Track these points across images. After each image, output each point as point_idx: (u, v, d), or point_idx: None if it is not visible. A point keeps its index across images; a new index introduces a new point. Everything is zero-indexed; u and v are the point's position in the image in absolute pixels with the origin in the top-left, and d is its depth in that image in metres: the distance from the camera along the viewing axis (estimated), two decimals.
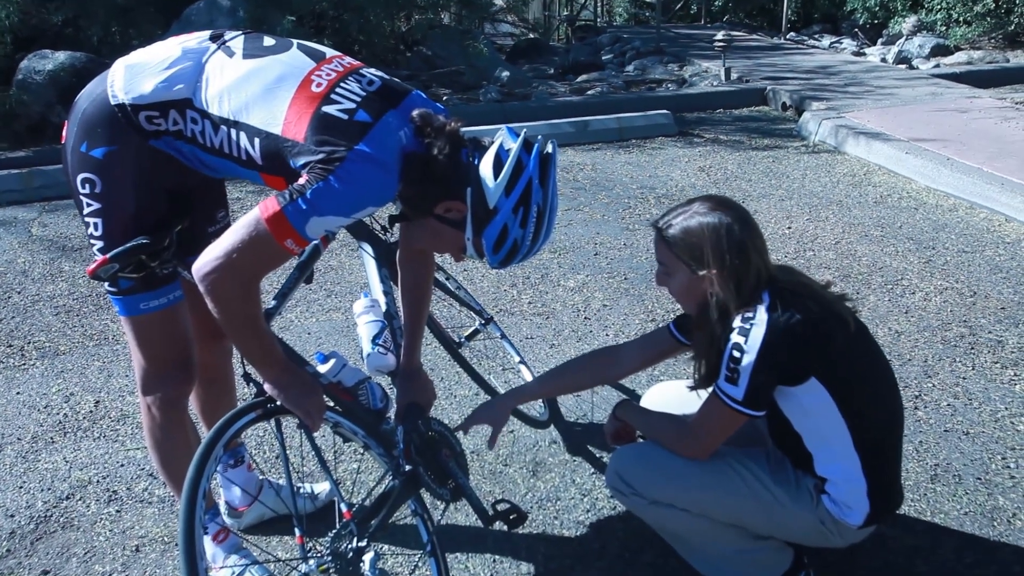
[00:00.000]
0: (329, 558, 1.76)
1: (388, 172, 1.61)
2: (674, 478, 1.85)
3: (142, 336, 1.89)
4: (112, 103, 1.69)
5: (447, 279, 2.91)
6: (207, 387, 2.16)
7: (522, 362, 2.92)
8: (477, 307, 2.92)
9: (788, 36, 10.39)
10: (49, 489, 2.47)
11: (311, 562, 1.78)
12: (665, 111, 6.53)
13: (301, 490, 2.36)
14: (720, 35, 7.83)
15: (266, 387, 1.80)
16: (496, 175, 1.66)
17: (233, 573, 2.04)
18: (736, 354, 1.70)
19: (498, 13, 11.19)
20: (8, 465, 2.59)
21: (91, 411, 2.87)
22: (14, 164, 5.50)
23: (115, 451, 2.64)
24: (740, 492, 1.81)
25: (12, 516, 2.36)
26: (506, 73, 9.01)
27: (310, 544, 1.80)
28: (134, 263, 1.77)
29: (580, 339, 3.30)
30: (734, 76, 7.91)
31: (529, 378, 2.87)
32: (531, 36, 12.87)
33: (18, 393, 3.00)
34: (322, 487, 2.40)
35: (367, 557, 1.78)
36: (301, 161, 1.59)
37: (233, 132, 1.65)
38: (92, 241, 1.79)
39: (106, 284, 1.83)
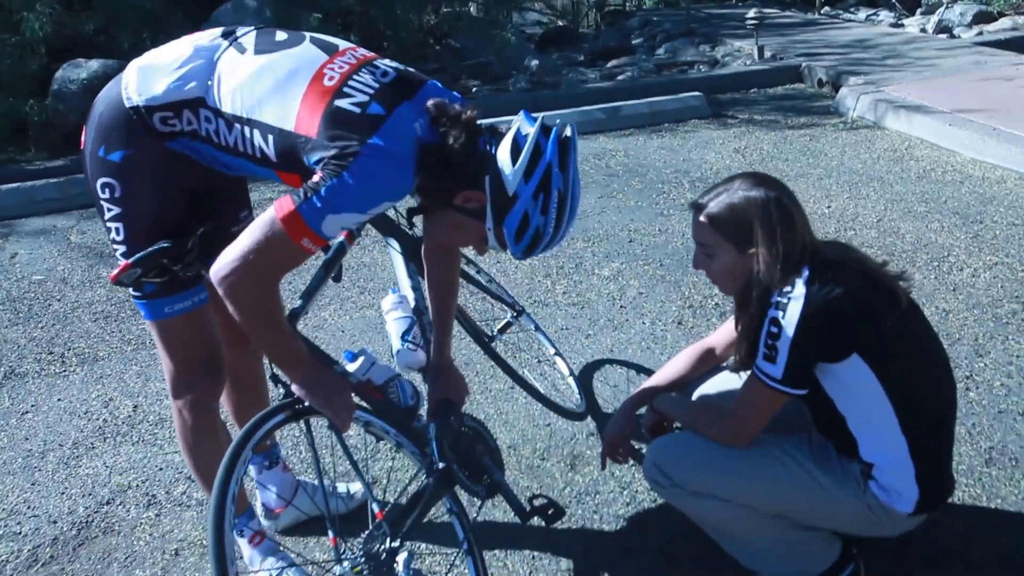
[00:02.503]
0: (362, 559, 1.74)
1: (403, 165, 1.58)
2: (713, 467, 1.79)
3: (168, 339, 1.88)
4: (127, 106, 1.68)
5: (478, 272, 2.88)
6: (238, 390, 2.15)
7: (557, 353, 2.88)
8: (509, 299, 2.87)
9: (822, 11, 10.16)
10: (90, 495, 2.49)
11: (345, 564, 1.76)
12: (697, 93, 6.41)
13: (336, 490, 2.35)
14: (752, 12, 7.67)
15: (293, 388, 1.78)
16: (514, 161, 1.62)
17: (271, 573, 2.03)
18: (774, 330, 1.64)
19: (525, 1, 11.08)
20: (50, 471, 2.61)
21: (130, 415, 2.89)
22: (52, 173, 5.58)
23: (153, 455, 2.65)
24: (782, 480, 1.75)
25: (55, 522, 2.38)
26: (535, 62, 8.92)
27: (344, 546, 1.78)
28: (157, 267, 1.76)
29: (616, 328, 3.24)
30: (767, 54, 7.75)
31: (565, 369, 2.83)
32: (560, 24, 12.75)
33: (59, 400, 3.03)
34: (357, 487, 2.39)
35: (401, 557, 1.76)
36: (315, 157, 1.56)
37: (247, 130, 1.62)
38: (115, 246, 1.78)
39: (131, 289, 1.82)
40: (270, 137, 1.61)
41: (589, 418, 2.66)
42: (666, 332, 3.17)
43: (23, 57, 6.59)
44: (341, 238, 2.12)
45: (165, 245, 1.74)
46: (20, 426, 2.88)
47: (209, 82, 1.65)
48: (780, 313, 1.63)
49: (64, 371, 3.24)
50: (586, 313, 3.39)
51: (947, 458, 1.79)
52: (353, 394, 1.90)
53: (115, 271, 1.72)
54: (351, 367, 1.96)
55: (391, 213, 2.39)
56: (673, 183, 4.85)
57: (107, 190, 1.73)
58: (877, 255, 3.65)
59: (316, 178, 1.54)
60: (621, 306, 3.42)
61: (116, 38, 7.37)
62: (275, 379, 1.85)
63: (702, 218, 1.74)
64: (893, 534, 1.79)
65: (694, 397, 2.07)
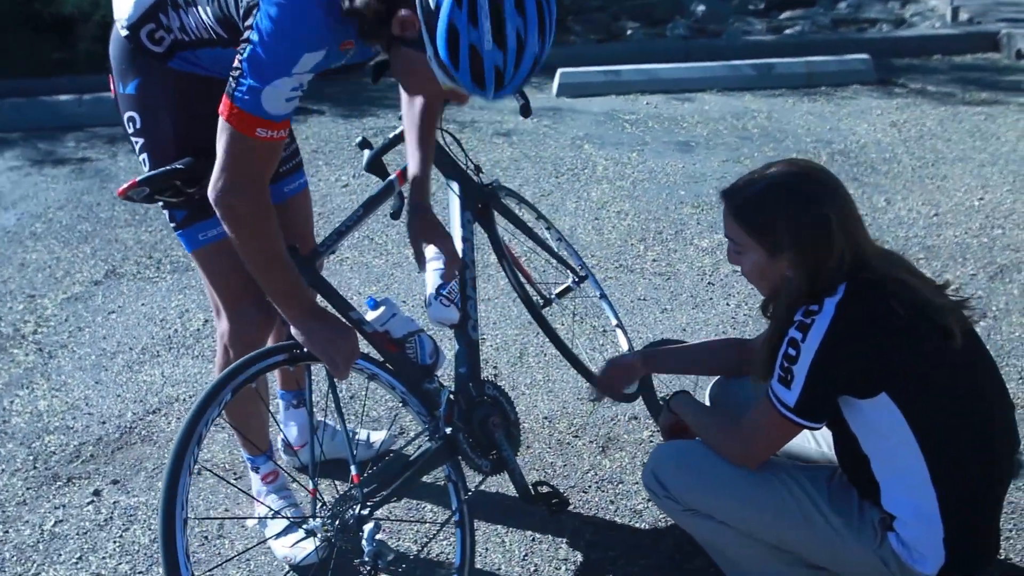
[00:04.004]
0: (329, 521, 1.69)
1: (306, 5, 1.44)
2: (715, 487, 1.61)
3: (210, 269, 1.86)
4: (122, 36, 1.69)
5: (548, 228, 2.72)
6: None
7: (619, 325, 2.70)
8: (578, 262, 2.71)
9: None
10: (141, 401, 2.60)
11: (316, 520, 1.73)
12: (863, 56, 5.82)
13: (356, 436, 2.32)
14: None
15: (292, 330, 1.73)
16: None
17: (269, 511, 2.04)
18: (791, 352, 1.43)
19: None
20: (114, 373, 2.75)
21: (198, 329, 2.99)
22: None
23: (207, 372, 2.73)
24: (788, 513, 1.55)
25: (104, 423, 2.51)
26: (702, 7, 8.43)
27: (320, 501, 1.74)
28: (170, 188, 1.74)
29: (696, 306, 3.02)
30: (963, 16, 6.91)
31: (624, 345, 2.65)
32: None
33: (143, 304, 3.18)
34: (378, 436, 2.35)
35: (367, 527, 1.70)
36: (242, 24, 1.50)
37: (198, 10, 1.60)
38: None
39: (167, 219, 1.82)
40: (209, 10, 1.58)
41: (640, 400, 2.49)
42: (748, 318, 2.92)
43: None
44: (392, 176, 2.02)
45: (177, 167, 1.72)
46: (104, 325, 3.05)
47: None
48: (800, 335, 1.41)
49: (156, 276, 3.39)
50: (670, 285, 3.17)
51: (986, 524, 1.51)
52: (366, 343, 1.83)
53: (123, 186, 1.72)
54: (370, 316, 1.89)
55: (460, 157, 2.25)
56: (810, 154, 4.44)
57: (131, 124, 1.76)
58: (1022, 260, 3.20)
59: (236, 60, 1.47)
60: (709, 283, 3.18)
61: None
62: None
63: (728, 211, 1.54)
64: None
65: (708, 392, 1.88)
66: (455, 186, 2.22)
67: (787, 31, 7.35)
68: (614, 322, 2.71)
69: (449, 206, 2.20)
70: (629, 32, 7.62)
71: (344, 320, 1.80)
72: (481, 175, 2.27)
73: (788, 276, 1.47)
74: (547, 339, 2.39)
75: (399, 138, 2.11)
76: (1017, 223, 3.55)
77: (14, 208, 4.06)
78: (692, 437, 1.82)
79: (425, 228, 1.96)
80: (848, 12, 7.97)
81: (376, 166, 2.10)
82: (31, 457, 2.37)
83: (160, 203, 1.78)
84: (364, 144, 2.13)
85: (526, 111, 2.17)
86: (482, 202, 2.26)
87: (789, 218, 1.45)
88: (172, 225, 1.83)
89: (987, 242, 3.38)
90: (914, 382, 1.39)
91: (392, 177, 2.03)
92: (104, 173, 4.47)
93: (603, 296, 2.77)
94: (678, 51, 6.48)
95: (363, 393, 2.53)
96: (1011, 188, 3.91)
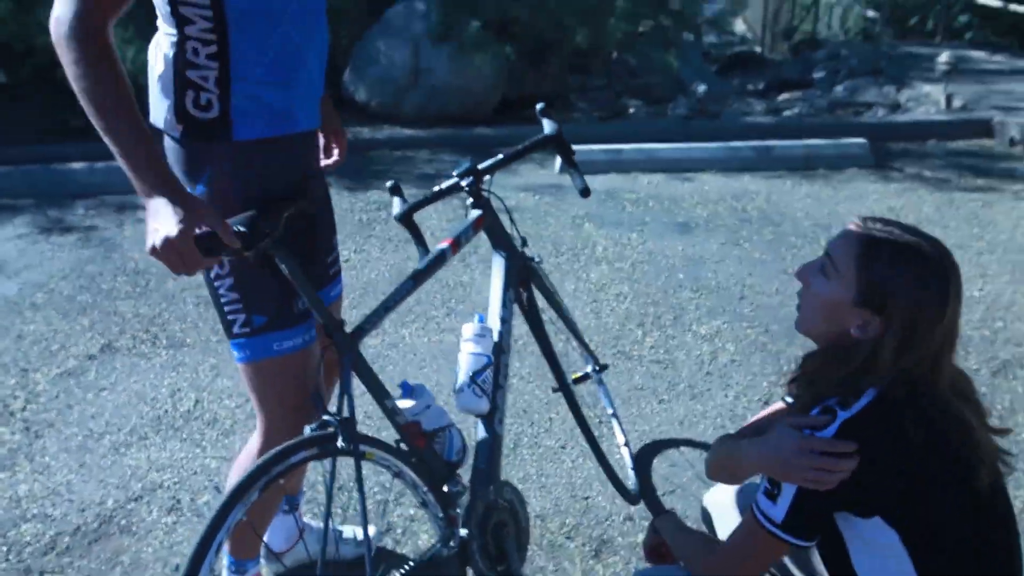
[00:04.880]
0: None
1: None
2: None
3: (272, 382, 1.69)
4: (175, 142, 1.58)
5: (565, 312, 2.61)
6: None
7: (614, 415, 2.65)
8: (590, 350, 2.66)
9: None
10: (124, 488, 2.54)
11: None
12: (861, 140, 5.89)
13: (342, 535, 2.25)
14: (944, 56, 6.99)
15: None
16: None
17: None
18: None
19: (704, 25, 10.68)
20: (99, 456, 2.70)
21: (189, 410, 2.94)
22: None
23: (194, 456, 2.68)
24: None
25: (83, 511, 2.44)
26: (703, 87, 8.58)
27: None
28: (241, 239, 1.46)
29: (695, 397, 2.98)
30: (957, 103, 7.02)
31: (620, 436, 2.60)
32: (751, 48, 12.21)
33: (135, 381, 3.14)
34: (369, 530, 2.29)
35: None
36: None
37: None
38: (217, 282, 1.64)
39: (235, 328, 1.65)
40: None
41: (641, 503, 2.42)
42: (747, 411, 2.87)
43: None
44: (444, 245, 1.91)
45: (240, 228, 1.47)
46: (94, 403, 3.00)
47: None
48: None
49: (151, 352, 3.36)
50: (668, 374, 3.14)
51: None
52: (400, 437, 1.75)
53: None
54: (403, 404, 1.81)
55: (507, 224, 2.13)
56: (809, 238, 4.45)
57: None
58: (1022, 357, 3.17)
59: None
60: (708, 372, 3.14)
61: None
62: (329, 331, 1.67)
63: (860, 237, 1.37)
64: None
65: (703, 501, 1.81)
66: (500, 258, 2.11)
67: (785, 112, 7.47)
68: (610, 411, 2.67)
69: (492, 276, 2.09)
70: (631, 110, 7.74)
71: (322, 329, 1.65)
72: (526, 248, 2.21)
73: (856, 337, 1.35)
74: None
75: (441, 194, 2.02)
76: (1018, 316, 3.53)
77: (17, 277, 4.05)
78: (676, 560, 1.75)
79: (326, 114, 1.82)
80: (844, 95, 8.11)
81: (409, 219, 2.03)
82: (4, 547, 2.30)
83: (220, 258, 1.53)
84: (395, 190, 2.06)
85: (586, 192, 2.14)
86: (524, 277, 2.20)
87: (919, 289, 1.31)
88: (243, 330, 1.63)
89: (989, 335, 3.36)
90: (919, 516, 1.33)
91: (445, 247, 1.90)
92: (110, 242, 4.47)
93: (601, 383, 2.73)
94: (679, 130, 6.57)
95: (352, 485, 2.47)
96: (1010, 279, 3.90)
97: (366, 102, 7.15)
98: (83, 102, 1.38)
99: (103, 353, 3.36)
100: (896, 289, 1.32)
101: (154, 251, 1.37)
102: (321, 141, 1.94)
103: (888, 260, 1.33)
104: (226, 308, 1.64)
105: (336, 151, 2.00)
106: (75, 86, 1.37)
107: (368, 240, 4.46)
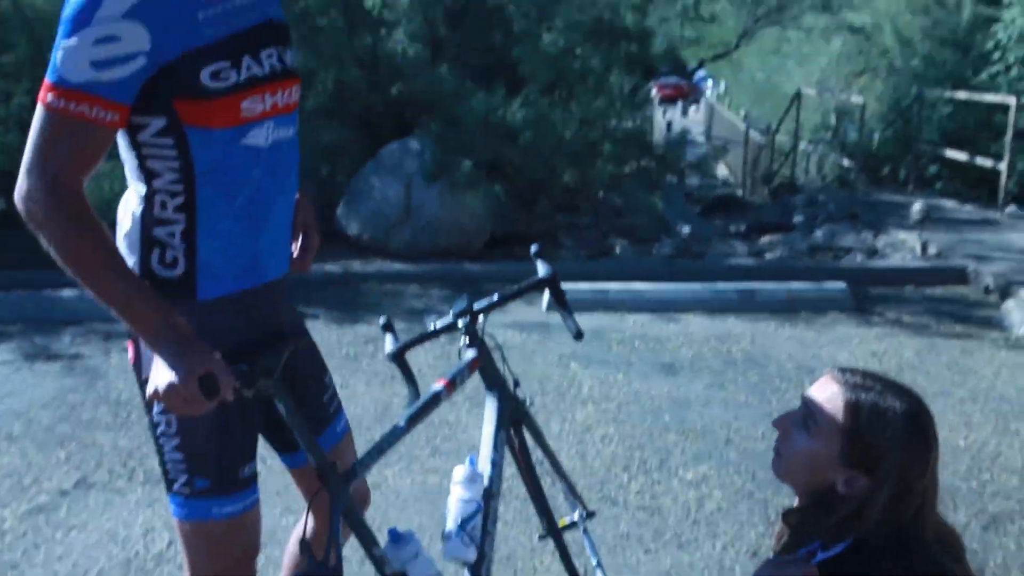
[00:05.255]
0: None
1: None
2: None
3: (204, 548, 1.64)
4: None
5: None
6: None
7: (599, 566, 2.58)
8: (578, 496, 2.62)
9: (1007, 210, 9.48)
10: None
11: None
12: (841, 284, 6.04)
13: None
14: (918, 205, 7.27)
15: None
16: None
17: None
18: None
19: (687, 168, 11.12)
20: None
21: (161, 551, 2.85)
22: None
23: None
24: None
25: None
26: (687, 228, 8.84)
27: None
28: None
29: (681, 546, 2.92)
30: (932, 250, 7.25)
31: None
32: (732, 192, 12.67)
33: (108, 520, 3.05)
34: None
35: None
36: None
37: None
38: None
39: (175, 486, 1.59)
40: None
41: None
42: (735, 563, 2.81)
43: None
44: (438, 386, 1.89)
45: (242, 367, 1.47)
46: (62, 542, 2.91)
47: None
48: None
49: (127, 487, 3.28)
50: (654, 521, 3.08)
51: None
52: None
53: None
54: (391, 551, 1.75)
55: (500, 365, 2.11)
56: (793, 381, 4.48)
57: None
58: (1014, 512, 3.14)
59: None
60: (694, 520, 3.09)
61: None
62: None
63: (842, 395, 1.36)
64: None
65: None
66: (493, 400, 2.09)
67: (767, 255, 7.67)
68: (594, 561, 2.60)
69: (484, 418, 2.06)
70: (618, 249, 7.93)
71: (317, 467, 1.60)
72: (518, 390, 2.19)
73: (842, 492, 1.34)
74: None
75: (436, 333, 2.03)
76: (1004, 467, 3.53)
77: None
78: None
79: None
80: (824, 239, 8.36)
81: (401, 358, 2.01)
82: None
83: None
84: (388, 327, 2.05)
85: (579, 335, 2.11)
86: (516, 419, 2.17)
87: (905, 447, 1.31)
88: (183, 490, 1.58)
89: (976, 487, 3.34)
90: None
91: (439, 388, 1.89)
92: (95, 371, 4.45)
93: (585, 532, 2.68)
94: (664, 270, 6.73)
95: None
96: (995, 428, 3.92)
97: (358, 236, 7.31)
98: (71, 270, 1.37)
99: (77, 488, 3.28)
100: (883, 451, 1.32)
101: (157, 395, 1.37)
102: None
103: (873, 421, 1.33)
104: (168, 466, 1.59)
105: (306, 248, 1.85)
106: (60, 257, 1.36)
107: (355, 374, 4.45)
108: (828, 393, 1.38)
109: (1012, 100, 9.51)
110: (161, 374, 1.36)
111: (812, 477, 1.39)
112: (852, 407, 1.34)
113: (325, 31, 7.96)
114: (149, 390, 1.39)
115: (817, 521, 1.37)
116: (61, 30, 1.32)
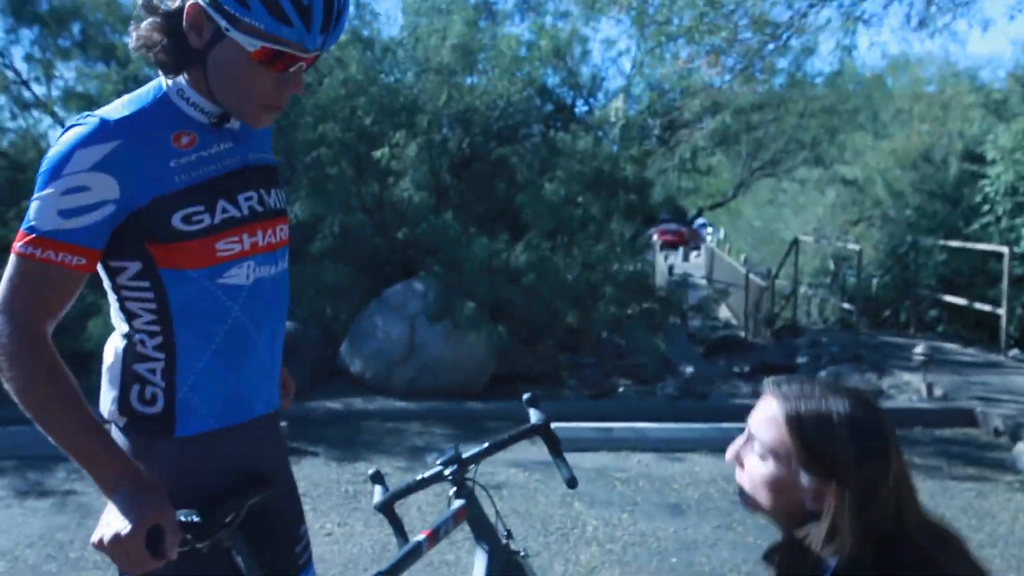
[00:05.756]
0: None
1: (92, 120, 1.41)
2: None
3: None
4: (121, 435, 1.56)
5: None
6: None
7: None
8: None
9: (1010, 354, 9.50)
10: None
11: None
12: None
13: None
14: (920, 347, 7.28)
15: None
16: None
17: None
18: None
19: (689, 310, 11.24)
20: None
21: None
22: None
23: None
24: None
25: None
26: (691, 368, 8.83)
27: None
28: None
29: None
30: (938, 392, 7.21)
31: None
32: (734, 333, 12.75)
33: None
34: None
35: None
36: None
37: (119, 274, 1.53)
38: None
39: None
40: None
41: None
42: None
43: None
44: (421, 537, 1.85)
45: (193, 519, 1.45)
46: None
47: None
48: None
49: None
50: None
51: None
52: None
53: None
54: None
55: (490, 514, 2.07)
56: None
57: None
58: None
59: None
60: None
61: (293, 308, 8.07)
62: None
63: (782, 410, 1.32)
64: None
65: None
66: (483, 551, 2.04)
67: None
68: None
69: (473, 572, 2.00)
70: (621, 389, 7.89)
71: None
72: (511, 541, 2.12)
73: (812, 509, 1.28)
74: None
75: (424, 483, 1.99)
76: None
77: None
78: None
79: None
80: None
81: (390, 509, 1.98)
82: None
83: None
84: (377, 478, 2.02)
85: (573, 483, 2.09)
86: (508, 574, 2.07)
87: (859, 445, 1.26)
88: None
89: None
90: None
91: (421, 539, 1.84)
92: (86, 508, 4.34)
93: None
94: (668, 410, 6.67)
95: None
96: (1018, 575, 3.77)
97: (360, 373, 7.31)
98: (30, 414, 1.38)
99: None
100: (836, 454, 1.27)
101: (100, 545, 1.35)
102: None
103: (818, 428, 1.29)
104: None
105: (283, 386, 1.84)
106: (20, 401, 1.38)
107: (353, 513, 4.34)
108: (768, 412, 1.34)
109: (1005, 250, 9.78)
110: (110, 522, 1.35)
111: (779, 501, 1.34)
112: (794, 420, 1.30)
113: (334, 179, 8.25)
114: (94, 538, 1.36)
115: (798, 551, 1.31)
116: (37, 183, 1.41)
